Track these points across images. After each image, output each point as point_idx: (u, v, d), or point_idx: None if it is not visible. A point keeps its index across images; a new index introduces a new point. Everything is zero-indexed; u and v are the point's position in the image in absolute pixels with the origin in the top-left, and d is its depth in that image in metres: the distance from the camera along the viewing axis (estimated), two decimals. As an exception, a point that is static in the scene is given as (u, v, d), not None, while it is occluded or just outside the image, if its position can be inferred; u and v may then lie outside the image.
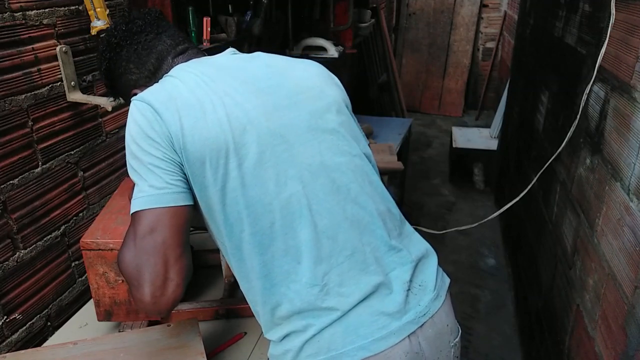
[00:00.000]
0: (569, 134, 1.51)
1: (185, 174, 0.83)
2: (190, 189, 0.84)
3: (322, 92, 0.95)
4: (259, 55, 0.98)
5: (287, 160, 0.86)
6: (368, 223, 0.89)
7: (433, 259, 0.97)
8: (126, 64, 0.98)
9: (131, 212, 0.81)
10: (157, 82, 0.93)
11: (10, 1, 1.07)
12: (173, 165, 0.82)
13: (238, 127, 0.84)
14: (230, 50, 1.00)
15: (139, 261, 0.79)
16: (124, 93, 1.02)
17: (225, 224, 0.85)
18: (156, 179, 0.81)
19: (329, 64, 1.17)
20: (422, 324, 0.87)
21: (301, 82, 0.95)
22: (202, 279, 1.33)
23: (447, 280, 0.97)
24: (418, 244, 0.96)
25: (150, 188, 0.80)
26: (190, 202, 0.83)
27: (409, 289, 0.88)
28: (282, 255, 0.84)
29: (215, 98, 0.85)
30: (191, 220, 0.85)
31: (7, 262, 1.12)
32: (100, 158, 1.40)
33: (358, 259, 0.86)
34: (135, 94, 0.93)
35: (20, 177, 1.13)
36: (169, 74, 0.92)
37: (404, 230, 0.96)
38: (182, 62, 0.96)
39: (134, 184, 0.84)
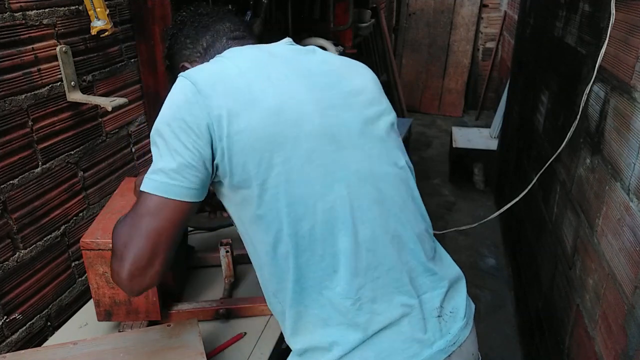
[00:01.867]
0: (569, 134, 1.51)
1: (209, 168, 0.79)
2: (202, 186, 0.80)
3: (375, 98, 0.92)
4: (314, 50, 0.95)
5: (335, 161, 0.82)
6: (408, 241, 0.85)
7: (463, 283, 0.94)
8: (184, 39, 0.99)
9: (141, 188, 0.80)
10: (208, 60, 0.91)
11: (10, 1, 1.07)
12: (197, 157, 0.78)
13: (289, 120, 0.80)
14: (287, 40, 0.97)
15: (129, 238, 0.79)
16: (175, 67, 1.01)
17: (261, 221, 0.81)
18: (172, 164, 0.78)
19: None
20: (451, 354, 0.84)
21: (356, 84, 0.91)
22: (202, 279, 1.33)
23: (473, 307, 0.94)
24: (450, 268, 0.93)
25: (163, 174, 0.78)
26: (198, 200, 0.80)
27: (439, 315, 0.85)
28: (318, 261, 0.80)
29: (268, 86, 0.82)
30: (192, 216, 0.83)
31: (7, 262, 1.12)
32: (100, 158, 1.40)
33: (393, 277, 0.83)
34: (184, 68, 0.93)
35: (20, 177, 1.13)
36: (221, 54, 0.89)
37: (437, 252, 0.93)
38: (236, 47, 0.93)
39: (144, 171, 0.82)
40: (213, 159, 0.80)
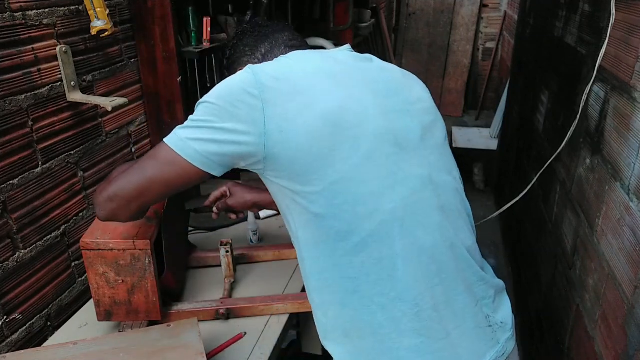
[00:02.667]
0: (569, 134, 1.51)
1: (236, 155, 0.80)
2: (217, 162, 0.81)
3: (432, 108, 0.94)
4: (372, 58, 0.97)
5: (396, 163, 0.82)
6: (463, 250, 0.85)
7: (506, 294, 0.94)
8: (243, 48, 1.01)
9: (164, 139, 0.82)
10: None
11: (10, 1, 1.07)
12: (226, 139, 0.79)
13: (350, 120, 0.80)
14: (347, 46, 0.99)
15: (129, 170, 0.83)
16: (232, 73, 1.02)
17: (317, 219, 0.80)
18: (199, 133, 0.80)
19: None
20: None
21: (414, 93, 0.93)
22: (202, 279, 1.33)
23: (513, 318, 0.94)
24: (497, 279, 0.93)
25: (186, 134, 0.80)
26: (207, 170, 0.81)
27: (490, 325, 0.85)
28: (374, 264, 0.79)
29: (332, 88, 0.82)
30: (194, 184, 0.85)
31: (7, 262, 1.12)
32: (100, 158, 1.40)
33: (451, 286, 0.82)
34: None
35: (20, 177, 1.13)
36: (286, 56, 0.90)
37: (484, 263, 0.93)
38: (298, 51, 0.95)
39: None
40: (255, 152, 0.79)
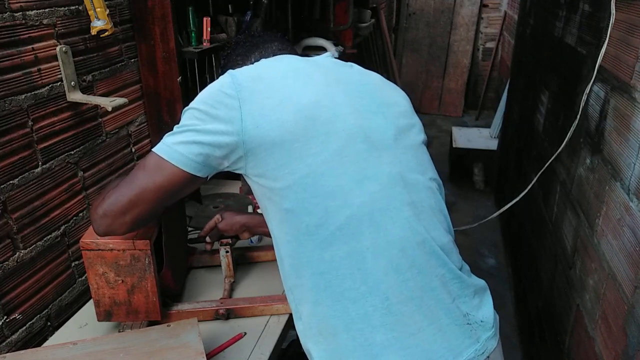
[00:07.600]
0: (569, 134, 1.51)
1: (221, 153, 0.83)
2: (204, 163, 0.84)
3: (408, 112, 0.97)
4: (353, 65, 1.01)
5: (367, 160, 0.84)
6: (435, 248, 0.85)
7: (489, 294, 0.94)
8: (235, 57, 1.07)
9: (152, 148, 0.86)
10: None
11: (10, 1, 1.07)
12: (209, 139, 0.82)
13: (322, 117, 0.83)
14: (328, 54, 1.03)
15: (121, 183, 0.85)
16: None
17: (288, 214, 0.82)
18: (184, 137, 0.83)
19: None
20: None
21: (391, 97, 0.96)
22: (202, 279, 1.33)
23: (497, 317, 0.94)
24: (476, 279, 0.94)
25: (172, 140, 0.84)
26: (194, 173, 0.84)
27: (468, 323, 0.85)
28: (343, 257, 0.80)
29: (306, 86, 0.85)
30: (185, 189, 0.87)
31: (7, 262, 1.12)
32: (100, 158, 1.40)
33: (424, 281, 0.82)
34: None
35: (20, 177, 1.13)
36: (266, 59, 0.96)
37: (464, 265, 0.94)
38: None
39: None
40: (235, 149, 0.83)
